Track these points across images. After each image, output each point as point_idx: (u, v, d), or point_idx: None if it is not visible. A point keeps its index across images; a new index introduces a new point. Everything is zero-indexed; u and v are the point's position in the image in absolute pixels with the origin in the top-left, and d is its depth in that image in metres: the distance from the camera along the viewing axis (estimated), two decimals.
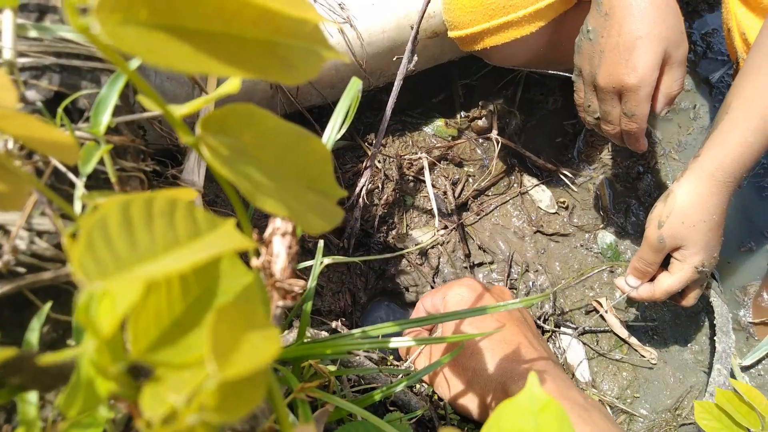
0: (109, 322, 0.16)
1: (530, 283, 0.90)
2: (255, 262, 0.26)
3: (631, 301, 0.89)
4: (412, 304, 0.87)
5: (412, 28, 0.74)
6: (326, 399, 0.40)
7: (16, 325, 0.33)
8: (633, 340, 0.86)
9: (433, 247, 0.89)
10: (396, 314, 0.88)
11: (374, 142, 0.78)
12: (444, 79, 1.02)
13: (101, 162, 0.37)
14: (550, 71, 0.84)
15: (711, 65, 1.10)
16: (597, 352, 0.85)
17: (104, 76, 0.42)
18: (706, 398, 0.76)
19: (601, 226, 0.95)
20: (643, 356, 0.85)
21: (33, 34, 0.38)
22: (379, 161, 0.90)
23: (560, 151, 1.01)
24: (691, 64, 1.10)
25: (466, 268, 0.89)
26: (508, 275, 0.90)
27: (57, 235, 0.34)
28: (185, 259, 0.15)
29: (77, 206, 0.34)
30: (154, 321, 0.17)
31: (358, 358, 0.52)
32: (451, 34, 0.78)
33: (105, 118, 0.36)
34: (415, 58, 0.75)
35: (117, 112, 0.40)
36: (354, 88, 0.50)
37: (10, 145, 0.33)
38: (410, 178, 0.92)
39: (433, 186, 0.91)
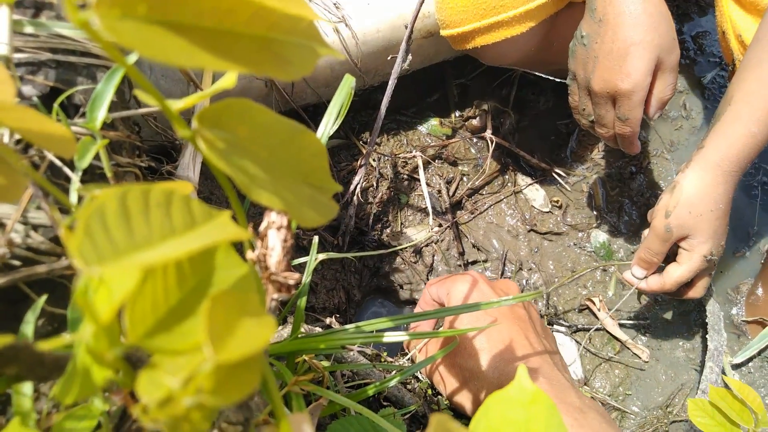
0: (106, 308, 0.16)
1: (524, 281, 0.91)
2: (250, 255, 0.26)
3: (638, 295, 0.89)
4: (407, 302, 0.88)
5: (406, 27, 0.74)
6: (320, 393, 0.40)
7: (11, 318, 0.33)
8: (626, 338, 0.87)
9: (427, 245, 0.90)
10: (390, 311, 0.88)
11: (369, 140, 0.78)
12: (438, 78, 1.03)
13: (97, 157, 0.37)
14: (543, 75, 0.85)
15: (703, 67, 1.11)
16: (589, 350, 0.86)
17: (100, 72, 0.42)
18: (698, 396, 0.77)
19: (595, 225, 0.95)
20: (636, 354, 0.86)
21: (29, 30, 0.38)
22: (373, 160, 0.90)
23: (554, 151, 1.01)
24: (683, 67, 1.11)
25: (460, 266, 0.90)
26: (502, 273, 0.90)
27: (52, 228, 0.34)
28: (181, 248, 0.15)
29: (73, 199, 0.34)
30: (150, 309, 0.17)
31: (352, 353, 0.52)
32: (443, 32, 0.78)
33: (101, 114, 0.36)
34: (410, 57, 0.75)
35: (113, 107, 0.40)
36: (347, 85, 0.50)
37: (6, 139, 0.33)
38: (405, 176, 0.92)
39: (428, 184, 0.92)
